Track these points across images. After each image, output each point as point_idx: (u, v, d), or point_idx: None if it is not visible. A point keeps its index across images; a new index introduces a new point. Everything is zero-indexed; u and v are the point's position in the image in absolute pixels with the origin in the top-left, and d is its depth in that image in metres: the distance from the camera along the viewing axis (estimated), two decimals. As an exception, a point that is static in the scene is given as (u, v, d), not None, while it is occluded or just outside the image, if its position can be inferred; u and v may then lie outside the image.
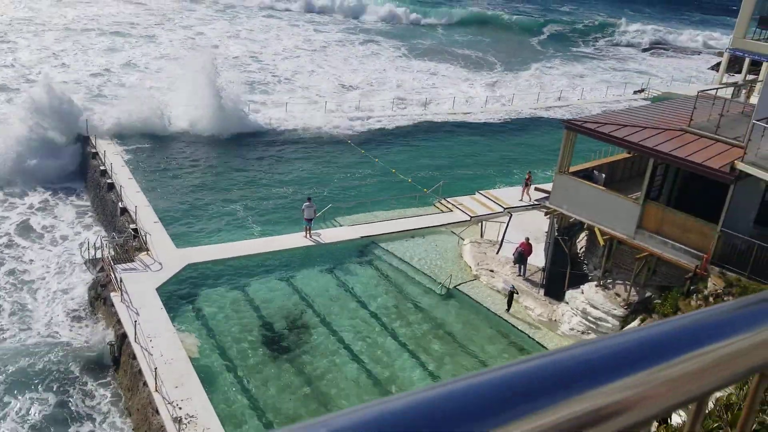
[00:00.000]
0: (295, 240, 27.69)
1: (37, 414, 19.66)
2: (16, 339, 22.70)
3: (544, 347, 22.68)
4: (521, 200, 32.36)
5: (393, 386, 20.62)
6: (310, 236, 27.78)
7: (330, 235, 28.53)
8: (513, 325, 23.85)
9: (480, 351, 22.74)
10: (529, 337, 23.26)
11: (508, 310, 24.52)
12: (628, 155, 25.95)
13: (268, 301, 24.22)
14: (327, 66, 59.87)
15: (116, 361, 21.90)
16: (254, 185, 33.87)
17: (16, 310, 23.90)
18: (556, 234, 24.17)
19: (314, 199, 28.45)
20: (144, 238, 25.57)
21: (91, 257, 25.59)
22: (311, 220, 27.67)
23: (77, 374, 21.37)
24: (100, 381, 21.45)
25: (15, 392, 20.23)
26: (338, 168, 37.07)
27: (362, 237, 28.70)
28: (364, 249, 28.42)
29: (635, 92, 61.05)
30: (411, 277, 26.76)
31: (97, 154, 32.91)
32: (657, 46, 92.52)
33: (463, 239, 29.46)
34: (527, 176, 33.17)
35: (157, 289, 23.21)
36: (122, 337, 21.58)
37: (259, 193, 33.00)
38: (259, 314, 23.43)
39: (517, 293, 24.71)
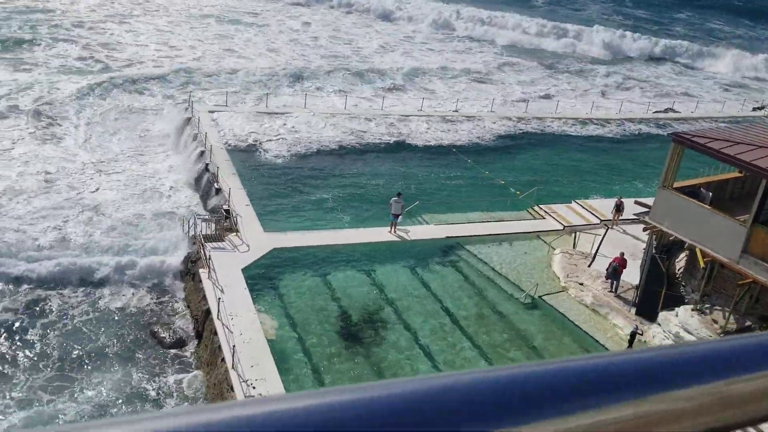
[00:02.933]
0: (380, 234, 27.60)
1: (120, 379, 20.49)
2: (107, 300, 23.77)
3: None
4: (612, 227, 29.72)
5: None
6: (395, 232, 27.62)
7: (415, 232, 28.26)
8: (598, 342, 22.76)
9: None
10: (614, 356, 22.09)
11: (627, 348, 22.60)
12: (738, 174, 24.22)
13: (348, 292, 24.24)
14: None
15: (199, 335, 22.55)
16: (346, 176, 34.08)
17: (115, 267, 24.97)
18: (654, 251, 22.88)
19: (403, 196, 28.25)
20: (235, 219, 26.20)
21: (185, 233, 26.48)
22: (398, 215, 27.51)
23: (162, 341, 22.14)
24: (182, 353, 22.08)
25: (97, 355, 21.20)
26: (431, 167, 36.73)
27: (447, 237, 28.26)
28: (448, 249, 27.97)
29: (754, 109, 57.28)
30: (495, 283, 26.09)
31: (198, 135, 34.07)
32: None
33: (554, 248, 28.46)
34: (618, 201, 30.18)
35: (243, 270, 23.70)
36: (206, 313, 22.17)
37: (350, 184, 33.17)
38: (338, 304, 23.49)
39: (641, 334, 22.37)
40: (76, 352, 21.42)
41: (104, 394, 19.89)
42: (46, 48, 48.73)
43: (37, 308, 23.05)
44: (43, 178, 30.13)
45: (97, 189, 30.07)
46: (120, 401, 19.75)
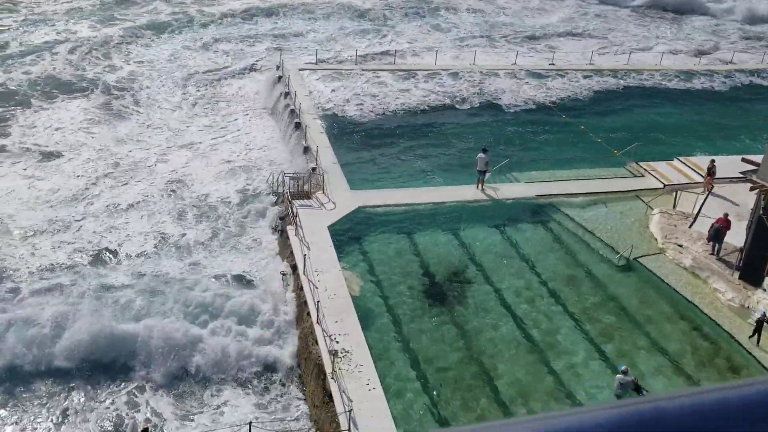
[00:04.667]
0: (467, 192, 27.07)
1: (219, 325, 21.15)
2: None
3: (730, 335, 20.22)
4: (702, 192, 27.51)
5: (551, 354, 19.57)
6: (483, 189, 26.99)
7: (504, 190, 27.52)
8: (697, 307, 21.49)
9: (655, 331, 20.81)
10: (713, 321, 20.84)
11: (751, 337, 19.98)
12: None
13: (433, 250, 24.01)
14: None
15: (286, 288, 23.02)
16: (434, 134, 33.58)
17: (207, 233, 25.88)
18: (762, 212, 21.21)
19: (491, 152, 27.48)
20: (322, 177, 26.38)
21: (274, 190, 26.96)
22: (484, 172, 26.83)
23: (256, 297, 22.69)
24: (272, 306, 22.44)
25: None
26: (523, 123, 35.55)
27: (538, 196, 27.34)
28: (538, 209, 27.08)
29: None
30: (587, 244, 25.09)
31: (288, 93, 34.39)
32: None
33: (652, 208, 26.99)
34: (710, 165, 27.72)
35: (329, 227, 23.92)
36: (293, 269, 22.58)
37: (438, 142, 32.66)
38: (422, 263, 23.32)
39: None
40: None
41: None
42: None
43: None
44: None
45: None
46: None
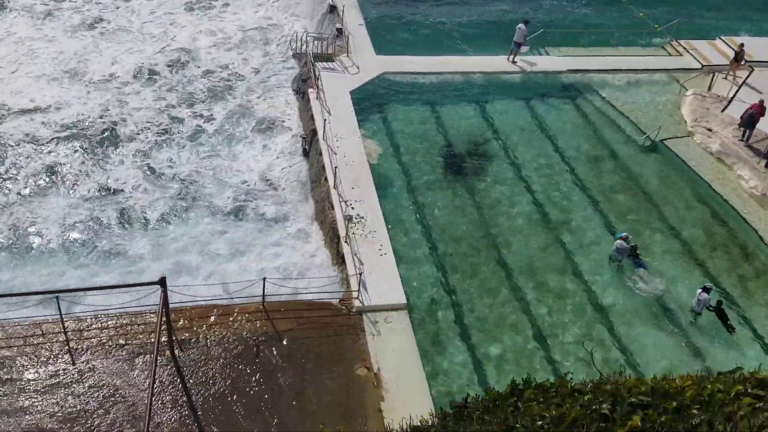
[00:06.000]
0: (498, 63, 26.27)
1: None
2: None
3: (747, 222, 20.11)
4: (728, 75, 26.35)
5: (564, 231, 19.75)
6: (514, 61, 26.15)
7: (536, 63, 26.64)
8: (717, 193, 21.27)
9: (673, 215, 20.74)
10: (734, 209, 20.67)
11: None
12: None
13: (456, 121, 23.72)
14: None
15: (306, 153, 23.14)
16: (467, 1, 32.10)
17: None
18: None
19: (530, 24, 26.30)
20: (347, 39, 25.66)
21: (296, 51, 26.40)
22: (520, 44, 25.89)
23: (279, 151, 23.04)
24: (293, 163, 22.64)
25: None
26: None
27: (570, 70, 26.47)
28: (569, 84, 26.31)
29: None
30: (614, 122, 24.56)
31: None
32: None
33: (686, 89, 26.06)
34: (738, 49, 26.23)
35: (351, 92, 23.60)
36: (313, 133, 22.56)
37: (471, 10, 31.28)
38: (444, 133, 23.12)
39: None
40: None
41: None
42: None
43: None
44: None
45: None
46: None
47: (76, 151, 22.10)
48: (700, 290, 17.04)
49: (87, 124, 23.21)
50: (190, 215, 20.25)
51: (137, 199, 20.58)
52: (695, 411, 4.56)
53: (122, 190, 20.82)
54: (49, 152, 21.94)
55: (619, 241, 18.43)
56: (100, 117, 23.56)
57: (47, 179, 20.90)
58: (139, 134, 23.11)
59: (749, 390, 4.52)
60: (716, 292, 17.56)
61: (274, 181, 21.75)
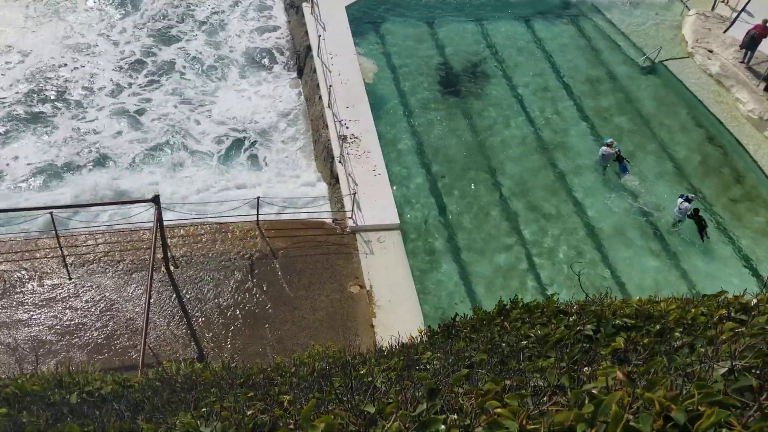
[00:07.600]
0: (497, -22, 25.46)
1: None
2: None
3: (744, 148, 20.07)
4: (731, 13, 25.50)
5: (558, 152, 19.71)
6: (513, -23, 25.37)
7: (536, -22, 25.84)
8: (714, 116, 21.12)
9: (667, 136, 20.68)
10: (729, 132, 20.59)
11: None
12: None
13: (454, 41, 23.22)
14: None
15: (300, 71, 22.72)
16: None
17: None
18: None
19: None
20: (342, -50, 24.70)
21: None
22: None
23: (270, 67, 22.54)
24: (288, 81, 22.26)
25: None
26: None
27: (571, -13, 25.74)
28: (570, 3, 25.62)
29: None
30: (614, 42, 24.08)
31: None
32: None
33: (688, 9, 25.44)
34: None
35: (347, 8, 22.95)
36: (307, 50, 22.07)
37: None
38: (441, 52, 22.67)
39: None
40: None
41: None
42: None
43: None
44: None
45: None
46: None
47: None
48: (681, 199, 17.46)
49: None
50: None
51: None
52: (678, 334, 4.70)
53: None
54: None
55: (604, 147, 18.80)
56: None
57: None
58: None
59: (732, 314, 4.64)
60: (697, 201, 18.10)
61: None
